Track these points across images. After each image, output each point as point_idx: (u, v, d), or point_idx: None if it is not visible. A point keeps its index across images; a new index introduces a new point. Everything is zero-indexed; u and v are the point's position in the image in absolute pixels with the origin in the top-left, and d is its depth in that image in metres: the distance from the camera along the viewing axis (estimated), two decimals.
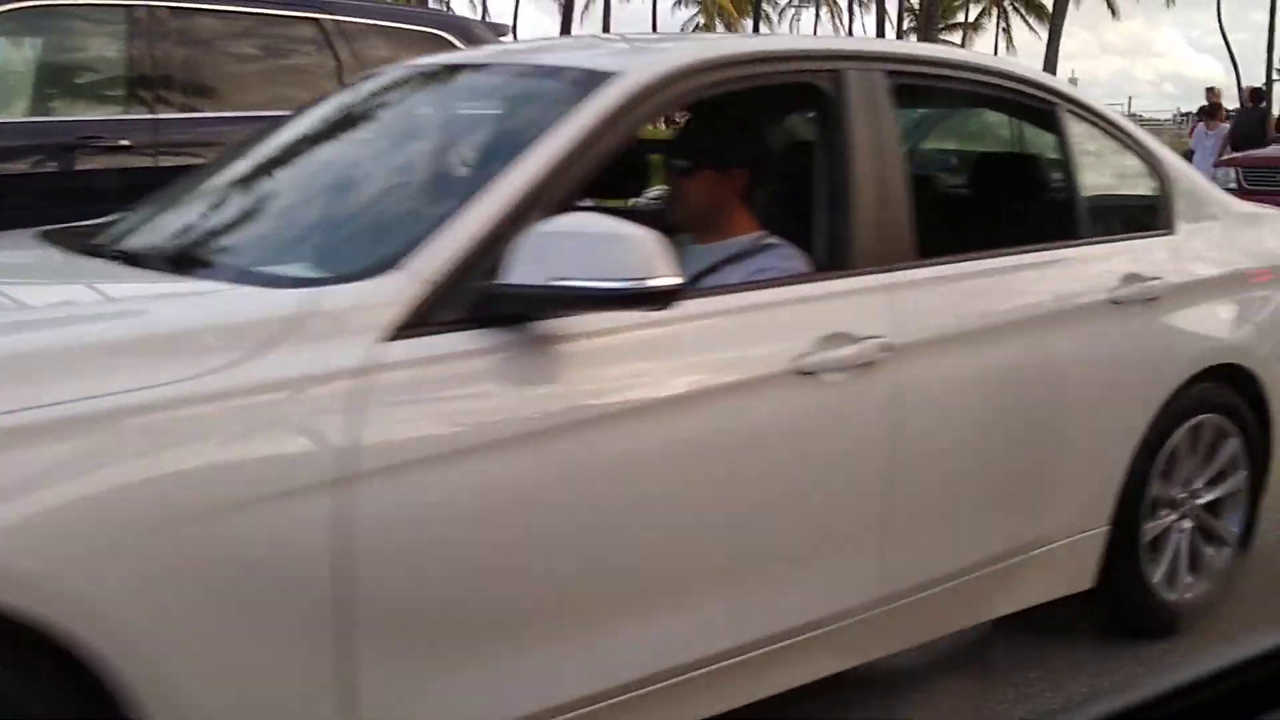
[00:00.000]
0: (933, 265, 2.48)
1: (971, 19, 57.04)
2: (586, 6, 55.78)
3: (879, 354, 2.28)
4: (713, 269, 2.56)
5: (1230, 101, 16.50)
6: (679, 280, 1.85)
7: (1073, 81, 44.07)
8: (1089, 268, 2.78)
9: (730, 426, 2.11)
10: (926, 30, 29.57)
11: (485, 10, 55.31)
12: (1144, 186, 3.07)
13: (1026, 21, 53.66)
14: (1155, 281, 2.86)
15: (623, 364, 2.01)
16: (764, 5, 57.35)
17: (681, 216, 2.68)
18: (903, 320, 2.36)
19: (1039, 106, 2.88)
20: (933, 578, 2.47)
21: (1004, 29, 55.58)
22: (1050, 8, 34.11)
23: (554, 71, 2.39)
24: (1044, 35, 32.81)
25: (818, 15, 58.95)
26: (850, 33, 55.82)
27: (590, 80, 2.17)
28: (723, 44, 2.40)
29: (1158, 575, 2.95)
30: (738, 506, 2.15)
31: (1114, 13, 51.75)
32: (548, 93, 2.27)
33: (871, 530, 2.36)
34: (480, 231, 1.88)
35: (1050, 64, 31.29)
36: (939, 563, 2.49)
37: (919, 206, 2.51)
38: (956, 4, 55.62)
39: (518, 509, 1.87)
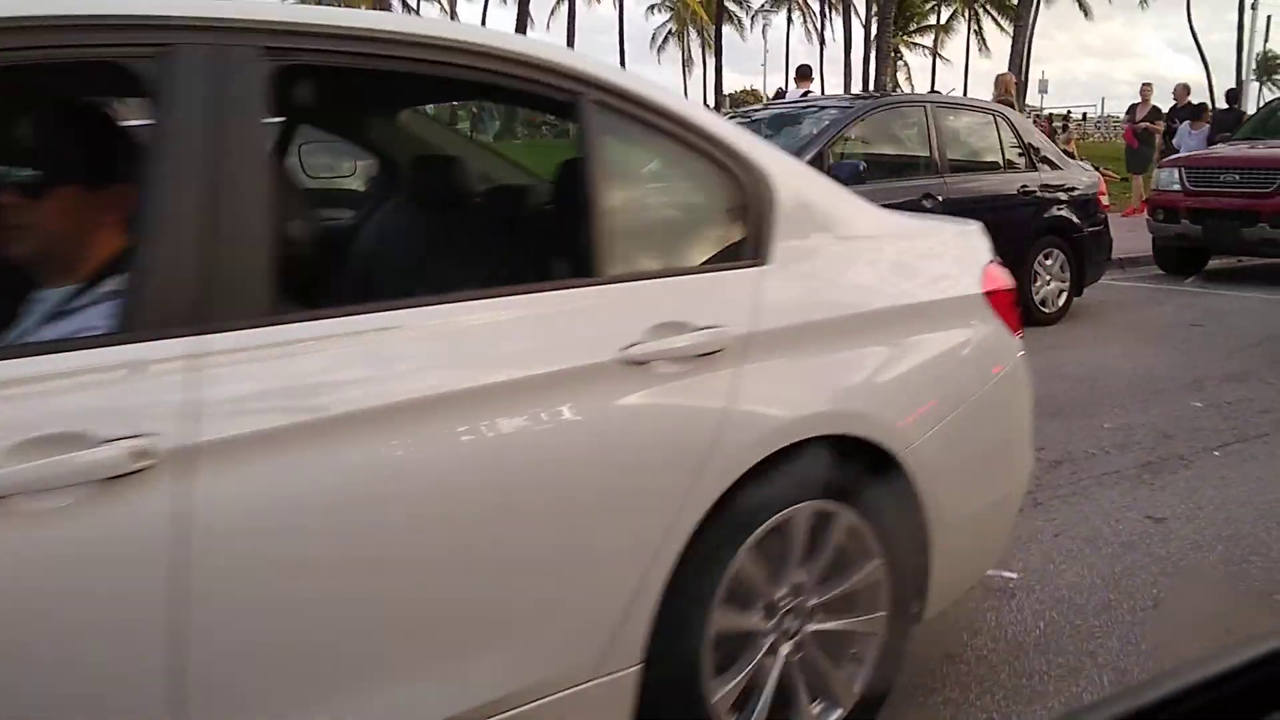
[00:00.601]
0: (300, 322, 1.74)
1: (943, 21, 56.23)
2: (553, 10, 55.28)
3: (134, 462, 1.54)
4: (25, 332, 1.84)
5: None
6: None
7: (1042, 84, 43.24)
8: (593, 317, 2.02)
9: None
10: (881, 34, 28.64)
11: (454, 14, 54.80)
12: (722, 204, 2.31)
13: (999, 24, 52.80)
14: (708, 331, 2.10)
15: None
16: (736, 8, 56.83)
17: (30, 250, 1.94)
18: (204, 410, 1.61)
19: (551, 97, 2.11)
20: None
21: (976, 31, 54.76)
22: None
23: None
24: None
25: (789, 19, 58.23)
26: (821, 38, 55.01)
27: None
28: None
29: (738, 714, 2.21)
30: None
31: (1086, 14, 50.94)
32: None
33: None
34: None
35: (1018, 64, 30.54)
36: None
37: (316, 238, 1.77)
38: (928, 6, 54.81)
39: None
